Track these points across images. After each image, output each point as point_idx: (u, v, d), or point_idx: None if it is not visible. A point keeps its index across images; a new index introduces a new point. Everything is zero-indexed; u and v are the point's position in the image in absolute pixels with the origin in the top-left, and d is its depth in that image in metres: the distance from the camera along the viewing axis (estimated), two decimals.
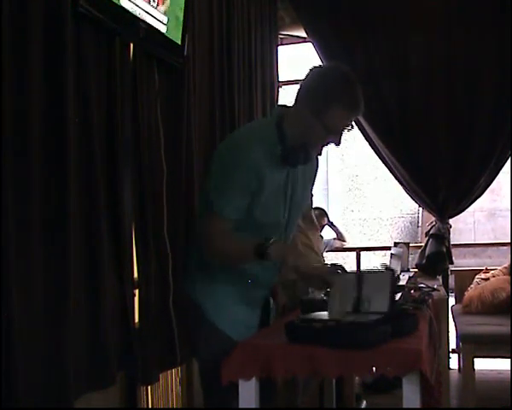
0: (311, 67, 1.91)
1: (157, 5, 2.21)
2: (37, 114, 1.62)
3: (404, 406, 1.61)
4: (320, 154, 2.01)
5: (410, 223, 9.45)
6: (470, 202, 4.16)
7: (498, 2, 3.87)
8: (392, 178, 4.33)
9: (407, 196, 4.40)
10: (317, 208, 4.26)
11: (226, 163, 1.88)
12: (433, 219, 4.23)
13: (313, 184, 2.31)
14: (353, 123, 1.90)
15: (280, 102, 4.29)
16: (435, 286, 2.55)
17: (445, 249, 4.14)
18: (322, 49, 4.21)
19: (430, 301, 2.33)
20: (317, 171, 2.23)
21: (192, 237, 2.08)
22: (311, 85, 1.86)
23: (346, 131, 1.89)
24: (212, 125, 2.90)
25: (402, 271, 2.59)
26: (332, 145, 1.92)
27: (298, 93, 1.89)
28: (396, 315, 1.76)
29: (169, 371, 2.52)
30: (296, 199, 2.02)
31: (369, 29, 4.14)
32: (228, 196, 1.85)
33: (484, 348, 3.18)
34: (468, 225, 9.07)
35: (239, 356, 1.72)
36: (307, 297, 2.09)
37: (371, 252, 7.47)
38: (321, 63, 1.80)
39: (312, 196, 2.80)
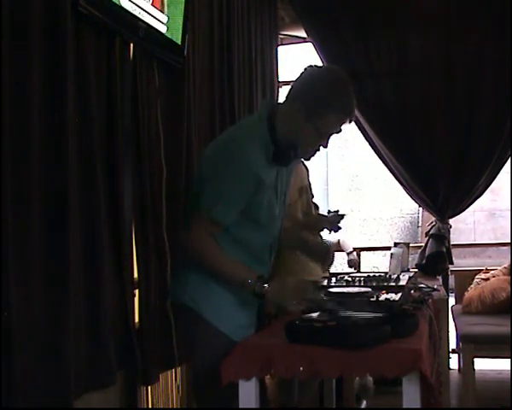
0: (305, 66, 1.90)
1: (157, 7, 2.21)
2: (37, 114, 1.62)
3: (404, 406, 1.61)
4: (308, 159, 2.03)
5: (410, 223, 9.44)
6: (470, 202, 4.16)
7: (498, 3, 3.87)
8: (392, 178, 4.33)
9: (407, 196, 4.40)
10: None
11: (222, 166, 1.83)
12: (433, 219, 4.23)
13: (311, 189, 2.32)
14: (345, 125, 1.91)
15: (279, 101, 4.30)
16: (435, 286, 2.55)
17: (445, 249, 4.14)
18: (322, 49, 4.21)
19: (430, 301, 2.33)
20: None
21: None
22: (306, 88, 1.84)
23: (335, 134, 1.89)
24: (212, 125, 2.91)
25: (402, 271, 2.59)
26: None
27: (291, 92, 1.88)
28: (396, 315, 1.76)
29: (169, 372, 2.52)
30: (283, 197, 2.03)
31: (369, 29, 4.14)
32: (225, 201, 1.83)
33: (484, 348, 3.18)
34: (468, 225, 9.06)
35: (239, 356, 1.72)
36: (308, 297, 2.09)
37: (371, 252, 7.48)
38: (316, 64, 1.82)
39: (313, 196, 2.84)
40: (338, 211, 2.91)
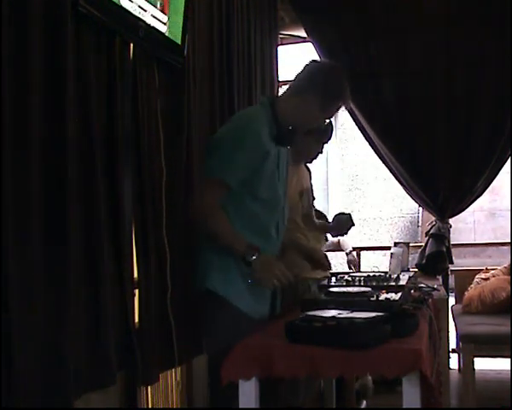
0: (308, 61, 2.19)
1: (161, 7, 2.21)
2: (37, 114, 1.62)
3: (404, 406, 1.62)
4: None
5: (410, 223, 9.44)
6: (470, 202, 4.16)
7: (498, 3, 3.87)
8: (392, 178, 4.33)
9: (407, 196, 4.40)
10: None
11: (232, 136, 2.04)
12: (433, 219, 4.23)
13: (313, 191, 2.39)
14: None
15: None
16: (435, 286, 2.55)
17: (445, 249, 4.13)
18: (322, 49, 4.21)
19: (430, 301, 2.33)
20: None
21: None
22: (316, 79, 2.10)
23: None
24: (212, 125, 2.90)
25: (402, 271, 2.59)
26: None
27: (297, 83, 2.13)
28: (396, 315, 1.76)
29: (169, 372, 2.52)
30: (283, 179, 2.20)
31: (370, 29, 4.14)
32: (233, 165, 2.00)
33: (484, 348, 3.18)
34: (468, 225, 9.05)
35: (239, 356, 1.72)
36: (308, 297, 2.10)
37: (371, 252, 7.48)
38: (318, 59, 2.16)
39: (314, 198, 2.86)
40: (350, 214, 2.88)
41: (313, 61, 2.21)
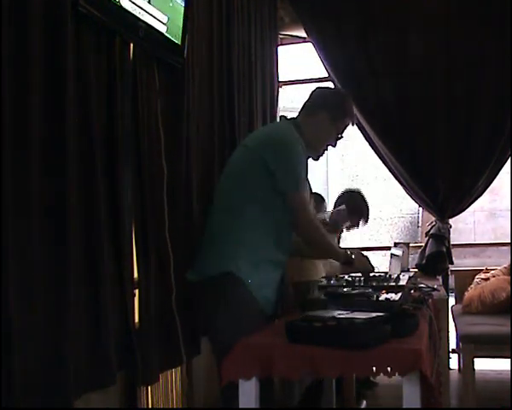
0: (316, 88, 2.54)
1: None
2: (37, 114, 1.62)
3: (404, 406, 1.62)
4: (317, 159, 2.49)
5: (410, 223, 9.45)
6: (470, 202, 4.16)
7: (498, 3, 3.87)
8: (392, 178, 4.33)
9: (407, 196, 4.40)
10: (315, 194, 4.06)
11: (288, 156, 2.26)
12: (433, 219, 4.23)
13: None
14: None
15: (279, 101, 4.32)
16: (435, 286, 2.55)
17: (445, 249, 4.14)
18: (322, 49, 4.21)
19: (430, 301, 2.33)
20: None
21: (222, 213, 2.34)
22: (324, 101, 2.43)
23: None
24: (212, 125, 2.90)
25: (402, 271, 2.60)
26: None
27: (308, 107, 2.43)
28: (396, 315, 1.76)
29: (169, 371, 2.52)
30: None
31: (369, 29, 4.14)
32: (302, 177, 2.30)
33: (484, 348, 3.18)
34: (468, 225, 9.06)
35: (239, 356, 1.72)
36: (309, 297, 2.10)
37: (371, 252, 7.48)
38: (322, 86, 2.72)
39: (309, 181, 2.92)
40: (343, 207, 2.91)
41: (318, 88, 2.55)
